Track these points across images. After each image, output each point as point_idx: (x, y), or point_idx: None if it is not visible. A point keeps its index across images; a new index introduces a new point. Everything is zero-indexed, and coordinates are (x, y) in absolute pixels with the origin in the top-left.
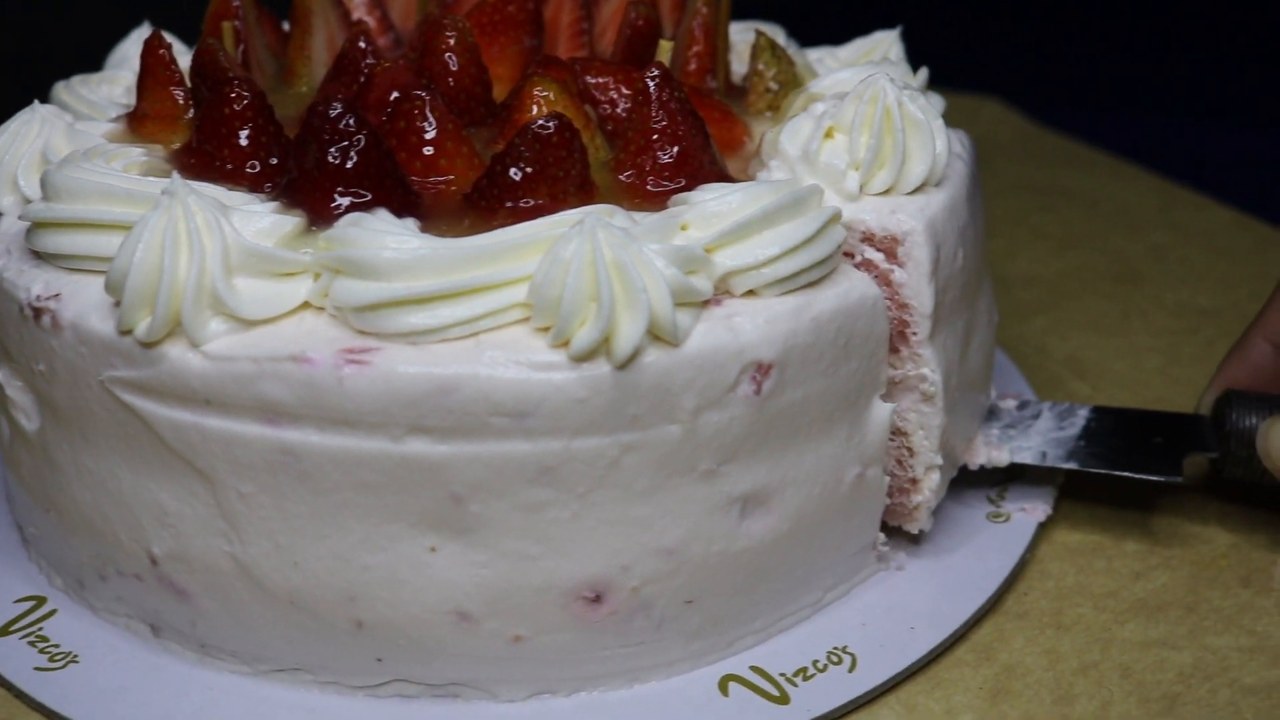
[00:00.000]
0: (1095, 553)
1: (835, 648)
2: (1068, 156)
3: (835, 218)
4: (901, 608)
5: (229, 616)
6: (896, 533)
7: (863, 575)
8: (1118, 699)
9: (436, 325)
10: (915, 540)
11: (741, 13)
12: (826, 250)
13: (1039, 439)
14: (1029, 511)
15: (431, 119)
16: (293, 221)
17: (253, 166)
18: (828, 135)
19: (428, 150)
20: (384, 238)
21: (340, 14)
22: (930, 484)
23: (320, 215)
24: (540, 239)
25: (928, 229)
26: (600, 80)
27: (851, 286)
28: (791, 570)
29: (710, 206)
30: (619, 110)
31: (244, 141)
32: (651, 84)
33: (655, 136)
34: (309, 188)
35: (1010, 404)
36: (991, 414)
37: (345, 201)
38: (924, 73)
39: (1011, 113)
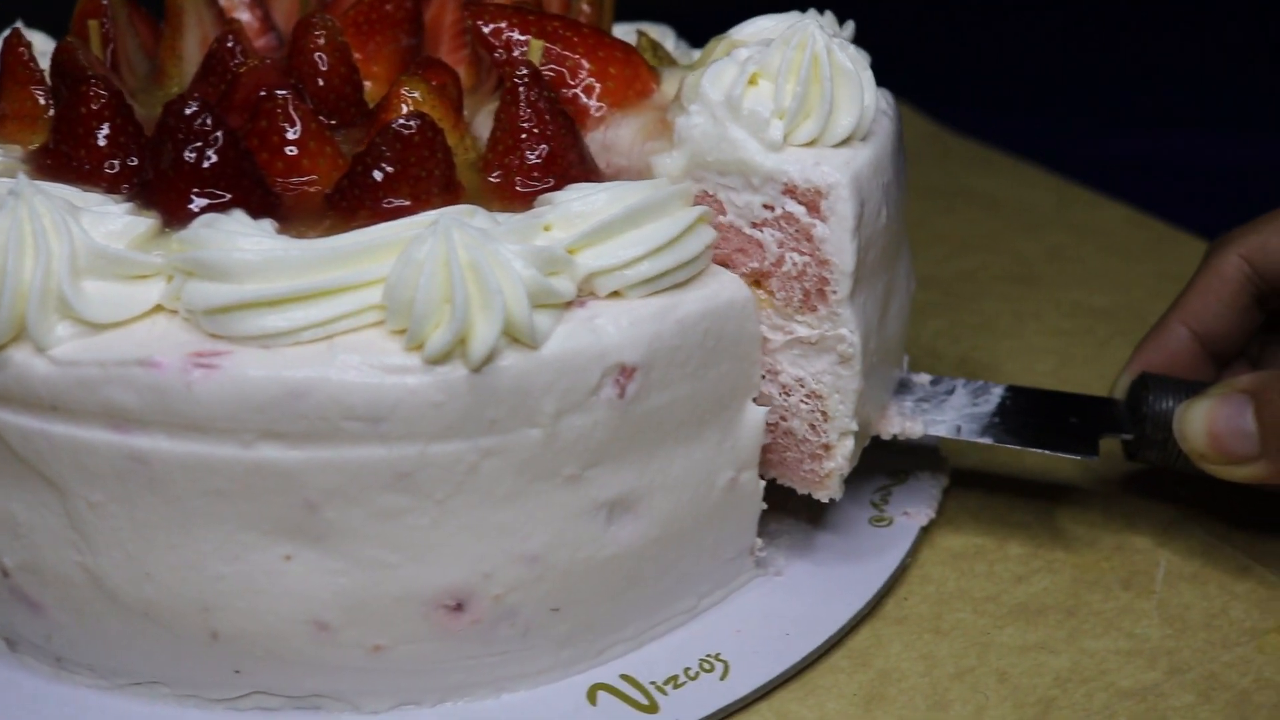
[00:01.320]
0: (977, 556)
1: (708, 655)
2: (969, 158)
3: (703, 218)
4: (778, 614)
5: (83, 629)
6: (777, 537)
7: (740, 581)
8: (993, 704)
9: (289, 328)
10: (796, 546)
11: (634, 14)
12: (693, 250)
13: (953, 414)
14: (911, 515)
15: (294, 118)
16: (146, 223)
17: (111, 166)
18: (751, 82)
19: (290, 150)
20: (237, 239)
21: (215, 13)
22: (844, 450)
23: (176, 216)
24: (395, 240)
25: (853, 182)
26: (494, 26)
27: (721, 287)
28: (663, 577)
29: (574, 206)
30: (516, 55)
31: (102, 141)
32: (519, 83)
33: (523, 136)
34: (164, 188)
35: (924, 379)
36: (904, 387)
37: (201, 202)
38: (850, 26)
39: (915, 114)
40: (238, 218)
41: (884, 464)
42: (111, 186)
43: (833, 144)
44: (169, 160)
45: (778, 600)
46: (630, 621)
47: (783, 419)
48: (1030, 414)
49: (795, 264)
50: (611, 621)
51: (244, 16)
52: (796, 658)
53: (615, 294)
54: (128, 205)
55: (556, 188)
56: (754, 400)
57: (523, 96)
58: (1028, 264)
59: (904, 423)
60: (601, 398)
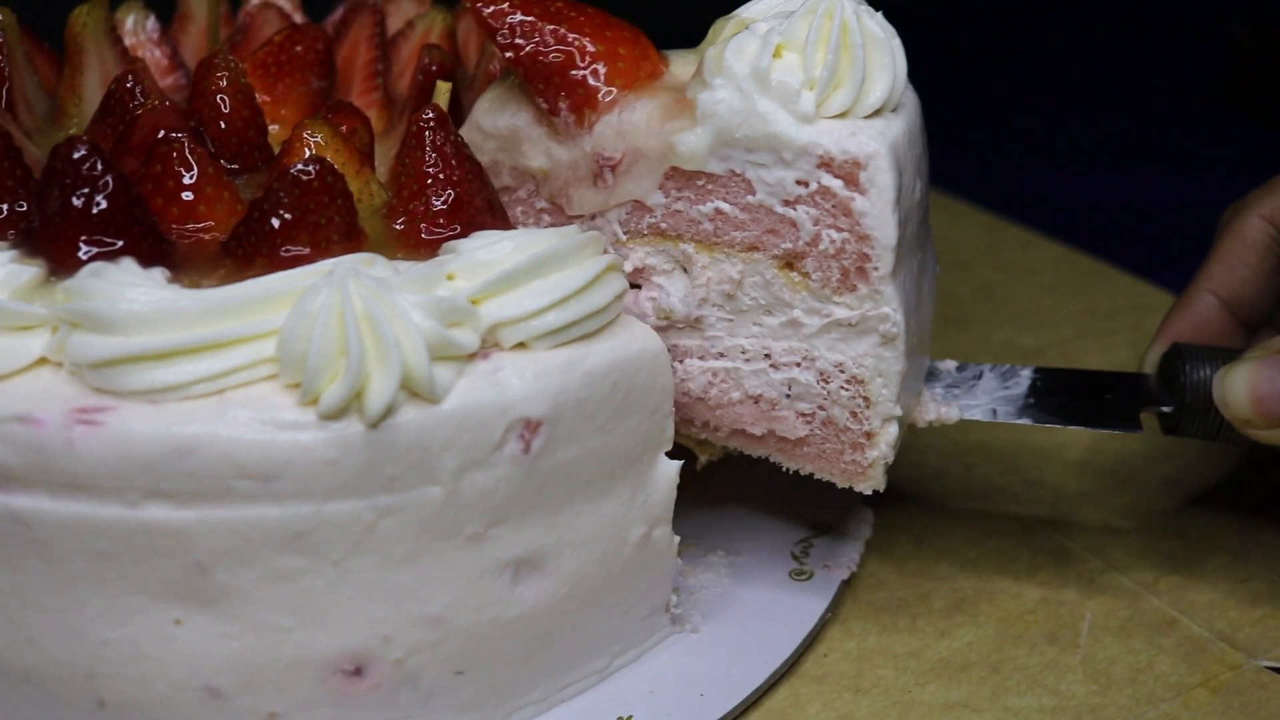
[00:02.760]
0: (900, 610)
1: (620, 717)
2: None
3: (613, 266)
4: (693, 673)
5: None
6: (695, 593)
7: (655, 639)
8: None
9: (177, 382)
10: (713, 602)
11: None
12: (602, 300)
13: (986, 398)
14: (833, 568)
15: (191, 163)
16: (31, 271)
17: None
18: (776, 54)
19: (186, 196)
20: (125, 289)
21: (118, 51)
22: (888, 438)
23: (63, 264)
24: (290, 290)
25: (891, 153)
26: (495, 9)
27: (631, 338)
28: (573, 637)
29: (479, 255)
30: (519, 39)
31: None
32: (425, 127)
33: (428, 182)
34: (50, 235)
35: (949, 365)
36: (931, 374)
37: (90, 250)
38: None
39: None
40: (126, 267)
41: (806, 516)
42: None
43: (865, 115)
44: (56, 206)
45: (693, 659)
46: (539, 683)
47: (821, 408)
48: (1064, 393)
49: (833, 241)
50: (519, 684)
51: (152, 54)
52: (711, 719)
53: (521, 345)
54: (12, 253)
55: (462, 235)
56: (667, 454)
57: (428, 140)
58: (957, 303)
59: (939, 409)
60: (505, 453)
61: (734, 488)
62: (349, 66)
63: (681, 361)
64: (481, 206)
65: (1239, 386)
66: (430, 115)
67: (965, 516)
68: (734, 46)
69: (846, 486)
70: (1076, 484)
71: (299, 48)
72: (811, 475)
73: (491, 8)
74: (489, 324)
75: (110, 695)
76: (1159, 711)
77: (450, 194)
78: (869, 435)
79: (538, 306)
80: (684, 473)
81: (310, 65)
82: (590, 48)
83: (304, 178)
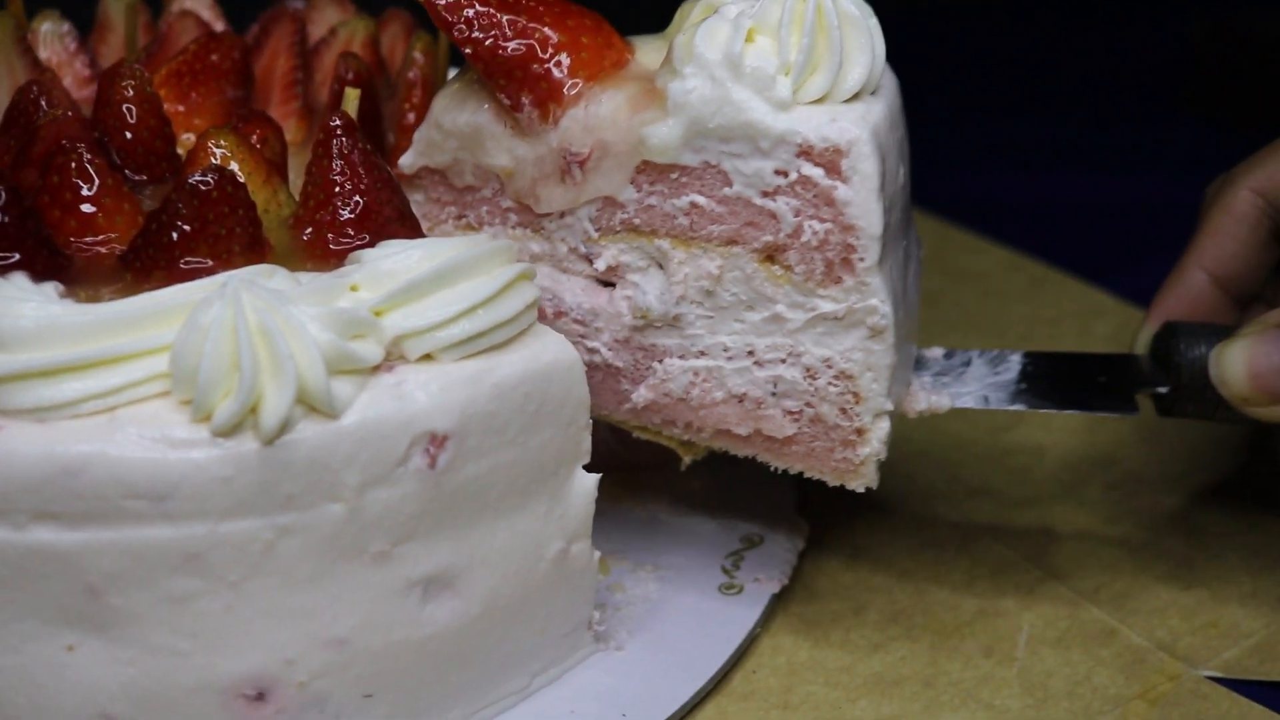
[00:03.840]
0: (833, 624)
1: None
2: None
3: (525, 275)
4: (615, 691)
5: None
6: (621, 609)
7: (577, 657)
8: None
9: (65, 400)
10: (638, 618)
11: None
12: (513, 310)
13: (976, 384)
14: (763, 581)
15: (90, 173)
16: None
17: None
18: (748, 39)
19: (86, 208)
20: (12, 304)
21: (29, 62)
22: (879, 433)
23: None
24: (183, 304)
25: (873, 138)
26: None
27: (543, 349)
28: (489, 656)
29: (384, 265)
30: (476, 32)
31: None
32: (332, 135)
33: (335, 190)
34: None
35: (936, 352)
36: (920, 363)
37: None
38: None
39: None
40: (17, 281)
41: (738, 527)
42: None
43: (844, 99)
44: None
45: (616, 677)
46: (455, 704)
47: (808, 405)
48: (1056, 377)
49: (815, 233)
50: (434, 705)
51: (71, 65)
52: None
53: (427, 357)
54: None
55: (371, 244)
56: (584, 466)
57: (335, 149)
58: None
59: (929, 397)
60: (410, 469)
61: (664, 499)
62: (268, 75)
63: (661, 361)
64: (391, 215)
65: (1236, 363)
66: (338, 123)
67: (904, 526)
68: (704, 32)
69: (838, 485)
70: (1020, 491)
71: (214, 56)
72: (801, 474)
73: (445, 0)
74: (393, 335)
75: None
76: None
77: (358, 201)
78: (860, 431)
79: (444, 317)
80: (613, 484)
81: (226, 74)
82: (552, 38)
83: (203, 188)
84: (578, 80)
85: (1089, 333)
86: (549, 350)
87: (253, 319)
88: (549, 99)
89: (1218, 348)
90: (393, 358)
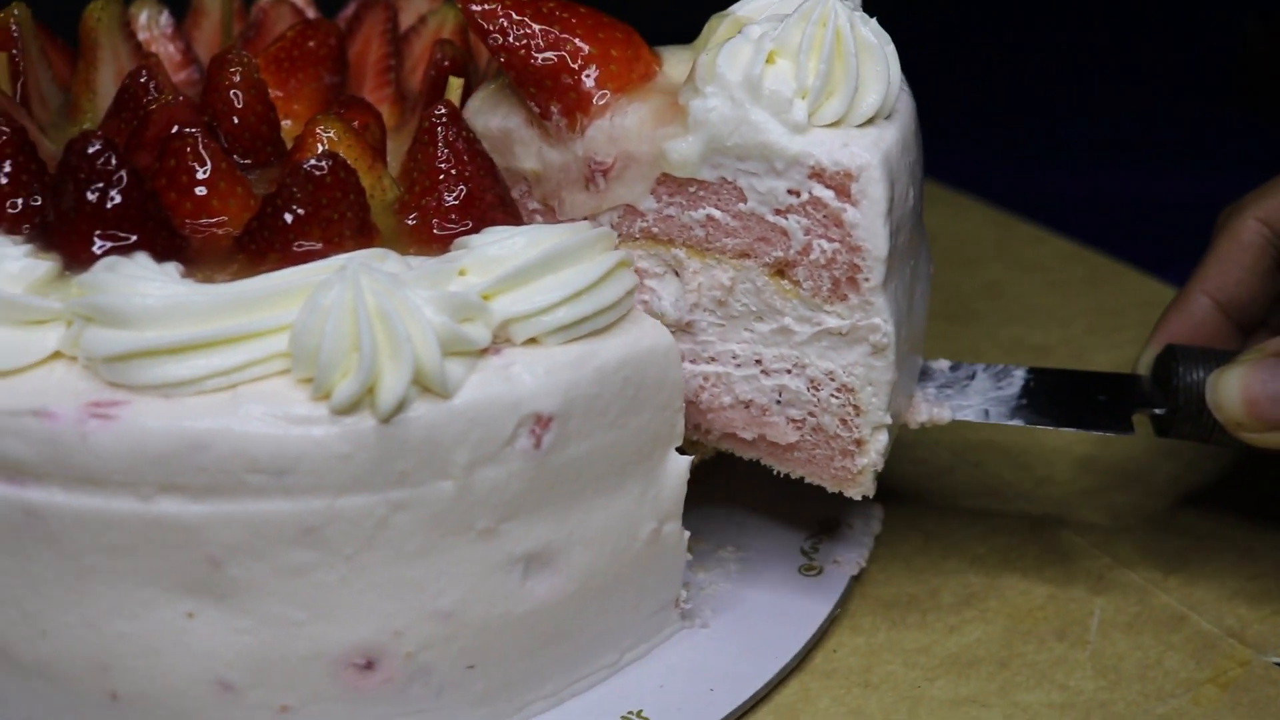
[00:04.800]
0: (909, 606)
1: (630, 711)
2: None
3: (624, 262)
4: (703, 668)
5: None
6: (705, 588)
7: (664, 634)
8: None
9: (190, 377)
10: (723, 596)
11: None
12: (613, 296)
13: (978, 398)
14: (842, 564)
15: (204, 158)
16: (45, 265)
17: (13, 206)
18: (769, 60)
19: (199, 191)
20: (139, 283)
21: (132, 46)
22: (878, 445)
23: (77, 259)
24: (302, 285)
25: (883, 164)
26: (486, 8)
27: (641, 334)
28: (583, 632)
29: (490, 250)
30: (510, 40)
31: (2, 180)
32: (438, 123)
33: (440, 177)
34: (65, 230)
35: (943, 365)
36: (924, 374)
37: (105, 244)
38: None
39: None
40: (141, 261)
41: (815, 512)
42: (12, 227)
43: (858, 124)
44: (70, 201)
45: (703, 654)
46: (550, 678)
47: (811, 414)
48: (1057, 394)
49: (824, 251)
50: (530, 678)
51: (166, 49)
52: (721, 714)
53: (532, 341)
54: (27, 247)
55: (475, 230)
56: (678, 449)
57: (440, 136)
58: (963, 300)
59: (931, 410)
60: (516, 448)
61: (743, 484)
62: (361, 62)
63: None
64: (493, 202)
65: (1232, 389)
66: (443, 111)
67: (973, 513)
68: (727, 53)
69: (837, 491)
70: (1085, 481)
71: (311, 43)
72: (802, 479)
73: (481, 7)
74: (500, 319)
75: (123, 688)
76: (1168, 707)
77: (462, 189)
78: (859, 443)
79: (549, 302)
80: (694, 469)
81: (323, 61)
82: (583, 50)
83: (317, 173)
84: (606, 92)
85: (1149, 324)
86: (647, 336)
87: (371, 301)
88: (577, 109)
89: (1215, 373)
90: (499, 341)
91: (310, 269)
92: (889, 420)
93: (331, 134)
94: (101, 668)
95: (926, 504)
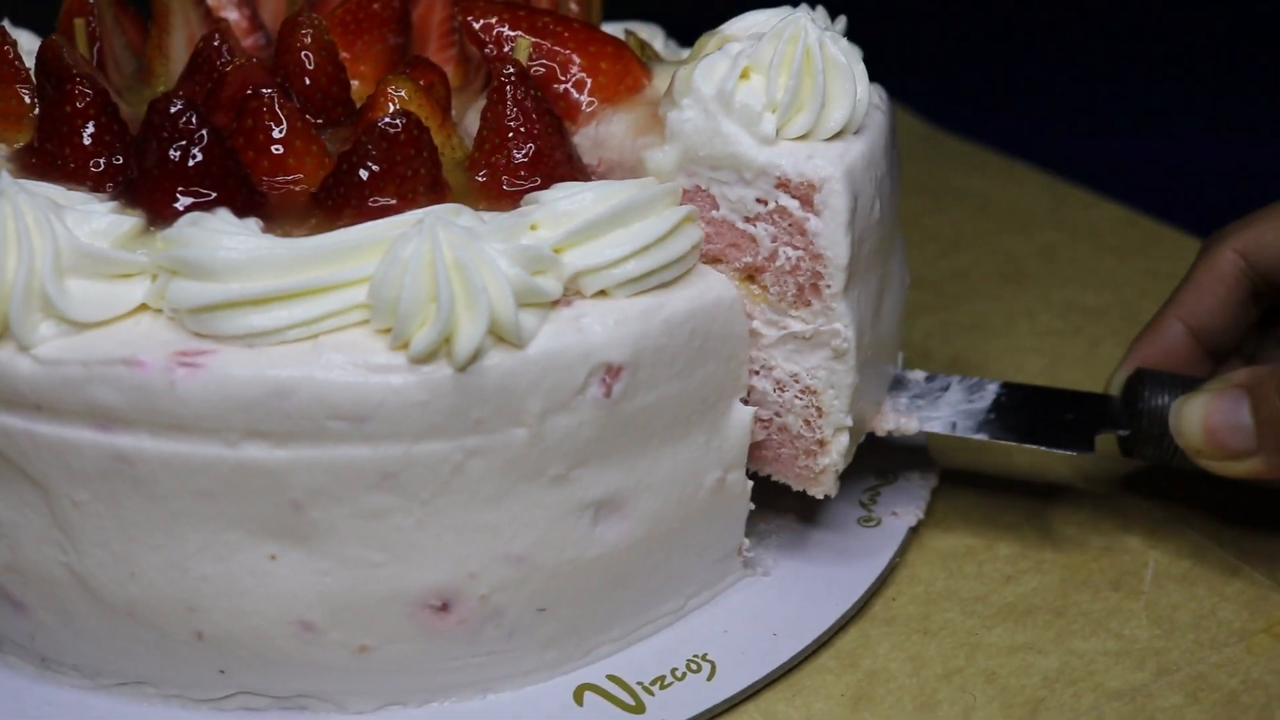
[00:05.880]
0: (966, 557)
1: (695, 655)
2: (960, 158)
3: (690, 216)
4: (765, 614)
5: (67, 629)
6: (766, 538)
7: (728, 581)
8: (980, 704)
9: (273, 327)
10: (784, 546)
11: (623, 14)
12: (680, 250)
13: (949, 410)
14: (900, 515)
15: (280, 117)
16: (131, 221)
17: (96, 165)
18: (743, 76)
19: (276, 149)
20: (221, 237)
21: (202, 12)
22: (839, 446)
23: (161, 215)
24: (380, 239)
25: (846, 176)
26: (484, 22)
27: (708, 287)
28: (650, 577)
29: (561, 205)
30: (506, 50)
31: (87, 140)
32: (506, 82)
33: (510, 135)
34: (149, 187)
35: (918, 375)
36: (899, 384)
37: (187, 201)
38: (843, 20)
39: (906, 114)
40: (223, 216)
41: (873, 464)
42: (96, 185)
43: (825, 138)
44: (154, 159)
45: (765, 601)
46: (617, 622)
47: (777, 414)
48: (1025, 410)
49: (789, 258)
50: (598, 622)
51: (231, 15)
52: (784, 658)
53: (601, 293)
54: (112, 204)
55: (543, 187)
56: (742, 400)
57: (509, 95)
58: (1019, 263)
59: (899, 419)
60: (587, 397)
61: None
62: (424, 24)
63: None
64: (561, 159)
65: (1193, 417)
66: (511, 71)
67: (1028, 466)
68: (703, 68)
69: (800, 490)
70: None
71: (376, 5)
72: (767, 477)
73: (481, 21)
74: (571, 272)
75: (208, 628)
76: (1222, 656)
77: (531, 147)
78: (821, 443)
79: (618, 255)
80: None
81: (387, 22)
82: (574, 61)
83: (391, 130)
84: (594, 101)
85: None
86: (713, 289)
87: (449, 254)
88: (566, 116)
89: (1179, 400)
90: (570, 293)
91: (388, 223)
92: (850, 422)
93: (403, 93)
94: (187, 608)
95: (981, 457)
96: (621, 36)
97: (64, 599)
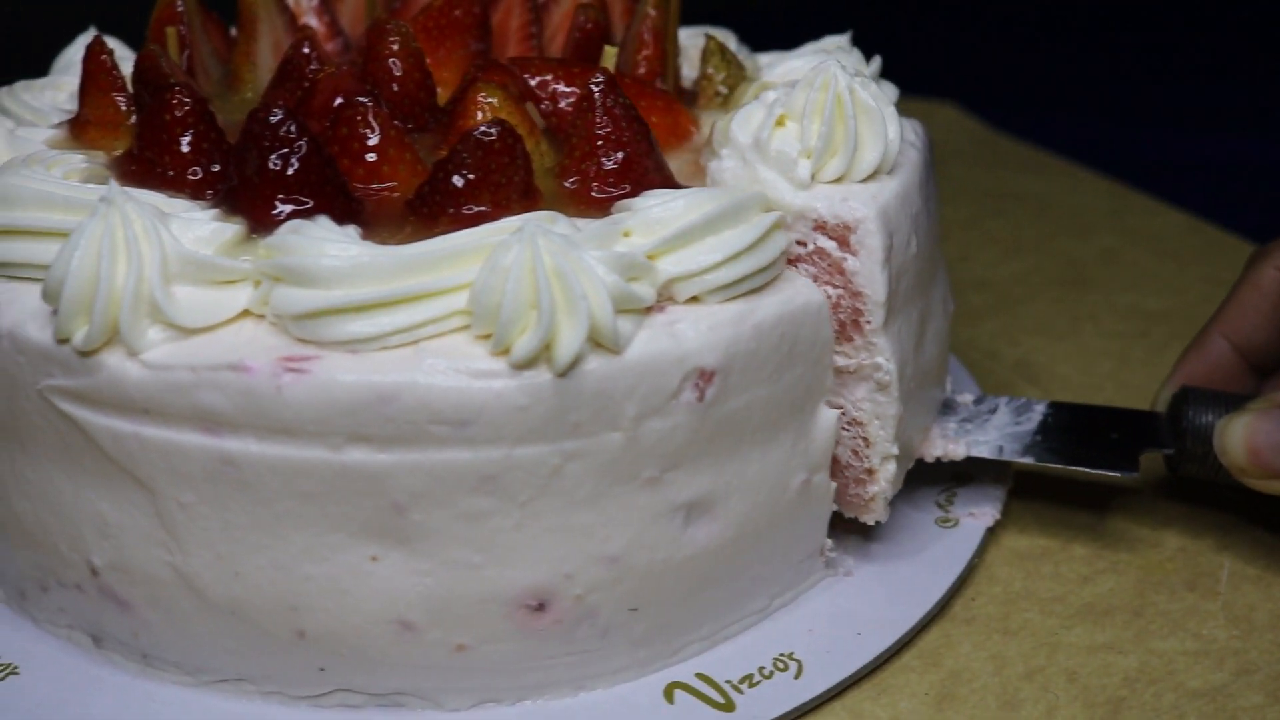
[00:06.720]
0: (1043, 557)
1: (781, 654)
2: (1020, 160)
3: (778, 224)
4: (848, 614)
5: (170, 627)
6: (845, 539)
7: (810, 581)
8: (1063, 703)
9: (376, 333)
10: (864, 547)
11: (695, 18)
12: (769, 257)
13: (995, 433)
14: (977, 516)
15: (374, 125)
16: (233, 229)
17: (194, 173)
18: (779, 123)
19: (370, 157)
20: (324, 245)
21: (287, 19)
22: (886, 474)
23: (261, 222)
24: (480, 246)
25: (880, 216)
26: (540, 79)
27: (795, 292)
28: (737, 577)
29: (653, 213)
30: (561, 106)
31: (185, 148)
32: (595, 90)
33: (599, 143)
34: (249, 195)
35: (967, 398)
36: (948, 408)
37: (286, 209)
38: (877, 61)
39: (966, 117)
40: (323, 224)
41: (947, 467)
42: (195, 193)
43: (860, 179)
44: (254, 167)
45: (848, 601)
46: (705, 621)
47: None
48: (1071, 431)
49: (830, 297)
50: (687, 621)
51: (312, 22)
52: (869, 657)
53: (694, 299)
54: (214, 211)
55: (632, 194)
56: (826, 403)
57: (599, 103)
58: (1080, 267)
59: (946, 445)
60: (681, 401)
61: None
62: (504, 29)
63: None
64: (651, 167)
65: (1237, 437)
66: (600, 79)
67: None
68: (740, 118)
69: (852, 517)
70: None
71: (457, 11)
72: None
73: (537, 78)
74: (665, 278)
75: (310, 627)
76: None
77: (621, 155)
78: (870, 472)
79: (711, 262)
80: None
81: (469, 29)
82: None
83: (486, 139)
84: None
85: None
86: (801, 294)
87: (549, 261)
88: None
89: (1223, 420)
90: (663, 299)
91: (487, 230)
92: (896, 451)
93: (494, 101)
94: (290, 608)
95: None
96: (701, 40)
97: (168, 598)
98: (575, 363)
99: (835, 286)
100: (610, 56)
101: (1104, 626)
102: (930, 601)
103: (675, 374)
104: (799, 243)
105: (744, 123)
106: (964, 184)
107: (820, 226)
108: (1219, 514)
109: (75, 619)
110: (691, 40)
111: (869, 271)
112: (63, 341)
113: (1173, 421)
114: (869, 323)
